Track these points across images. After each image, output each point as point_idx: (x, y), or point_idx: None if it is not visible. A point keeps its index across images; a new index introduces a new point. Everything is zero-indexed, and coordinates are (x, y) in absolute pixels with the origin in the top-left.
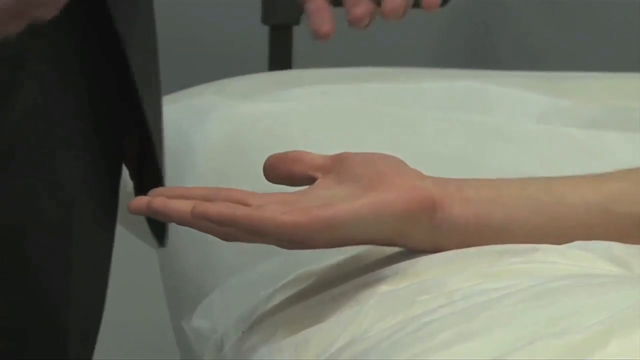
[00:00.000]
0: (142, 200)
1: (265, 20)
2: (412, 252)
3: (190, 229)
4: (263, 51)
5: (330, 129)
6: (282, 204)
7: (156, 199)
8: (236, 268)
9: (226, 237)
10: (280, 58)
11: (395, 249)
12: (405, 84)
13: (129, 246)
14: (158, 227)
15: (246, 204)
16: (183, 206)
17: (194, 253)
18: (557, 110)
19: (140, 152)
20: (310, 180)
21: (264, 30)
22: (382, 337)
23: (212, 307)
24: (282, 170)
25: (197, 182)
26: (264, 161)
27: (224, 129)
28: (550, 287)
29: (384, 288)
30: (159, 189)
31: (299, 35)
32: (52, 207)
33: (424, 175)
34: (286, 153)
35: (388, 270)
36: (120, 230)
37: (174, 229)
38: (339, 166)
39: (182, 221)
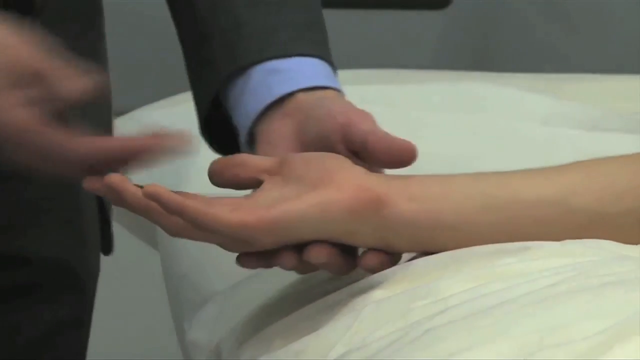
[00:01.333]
0: (97, 177)
1: None
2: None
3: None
4: None
5: None
6: (230, 205)
7: (113, 176)
8: (235, 273)
9: (175, 232)
10: None
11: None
12: (407, 86)
13: (132, 246)
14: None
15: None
16: (137, 189)
17: (194, 256)
18: (561, 112)
19: None
20: (256, 183)
21: None
22: (380, 346)
23: (209, 316)
24: (227, 175)
25: (198, 184)
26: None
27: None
28: (549, 292)
29: (378, 294)
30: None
31: None
32: None
33: (368, 173)
34: (231, 157)
35: (381, 275)
36: (122, 231)
37: None
38: (283, 167)
39: (134, 203)
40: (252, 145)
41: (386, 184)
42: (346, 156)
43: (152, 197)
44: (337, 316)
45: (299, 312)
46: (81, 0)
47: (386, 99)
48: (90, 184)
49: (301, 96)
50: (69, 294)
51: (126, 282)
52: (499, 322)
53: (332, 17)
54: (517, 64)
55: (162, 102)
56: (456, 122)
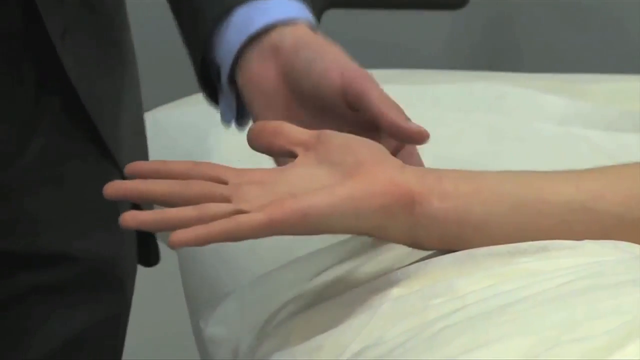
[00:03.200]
0: (118, 185)
1: None
2: (421, 252)
3: None
4: None
5: None
6: (258, 184)
7: (132, 187)
8: (253, 271)
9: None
10: None
11: (406, 249)
12: (422, 86)
13: None
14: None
15: (223, 181)
16: (156, 216)
17: (212, 254)
18: (576, 112)
19: None
20: (289, 154)
21: None
22: (397, 343)
23: (227, 313)
24: (263, 141)
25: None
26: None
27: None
28: (565, 289)
29: (396, 292)
30: (136, 163)
31: None
32: None
33: (403, 166)
34: (268, 123)
35: (399, 273)
36: None
37: None
38: (319, 145)
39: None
40: (233, 85)
41: (420, 180)
42: (345, 113)
43: (182, 244)
44: (354, 313)
45: (316, 309)
46: None
47: (402, 99)
48: (113, 192)
49: (275, 35)
50: (108, 293)
51: (143, 280)
52: (516, 319)
53: (350, 17)
54: (533, 64)
55: (178, 102)
56: (472, 123)
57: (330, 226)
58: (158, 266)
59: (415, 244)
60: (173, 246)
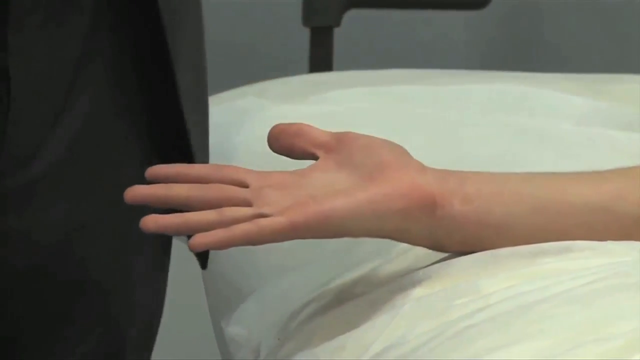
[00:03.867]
0: (141, 190)
1: (305, 22)
2: (444, 253)
3: None
4: (304, 53)
5: (371, 131)
6: (280, 187)
7: (152, 191)
8: (274, 271)
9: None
10: (320, 60)
11: (426, 250)
12: (445, 86)
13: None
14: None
15: (244, 185)
16: (178, 220)
17: (233, 255)
18: (597, 112)
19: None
20: (310, 156)
21: (305, 33)
22: (419, 343)
23: (248, 314)
24: (284, 143)
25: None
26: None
27: (265, 130)
28: (588, 289)
29: (418, 292)
30: (157, 167)
31: (340, 37)
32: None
33: (425, 168)
34: (289, 125)
35: (422, 273)
36: None
37: None
38: (340, 147)
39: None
40: None
41: (441, 182)
42: None
43: (202, 247)
44: (376, 313)
45: (338, 309)
46: None
47: (425, 99)
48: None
49: None
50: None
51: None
52: (538, 320)
53: (370, 18)
54: (555, 65)
55: None
56: (494, 123)
57: (352, 229)
58: (179, 266)
59: (436, 246)
60: (194, 249)
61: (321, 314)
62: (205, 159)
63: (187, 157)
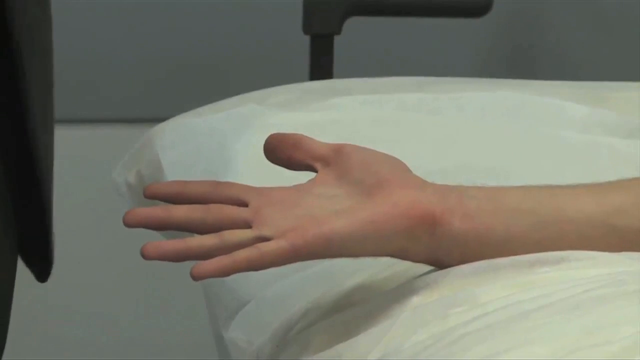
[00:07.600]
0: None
1: (306, 29)
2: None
3: None
4: (304, 60)
5: (371, 139)
6: (279, 206)
7: (152, 214)
8: (273, 277)
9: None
10: (321, 67)
11: None
12: (445, 94)
13: None
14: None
15: (242, 202)
16: (179, 246)
17: None
18: (598, 120)
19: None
20: (308, 169)
21: (305, 40)
22: (416, 351)
23: (248, 319)
24: (281, 155)
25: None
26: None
27: (265, 138)
28: (585, 297)
29: (416, 301)
30: (155, 185)
31: (340, 44)
32: None
33: (425, 184)
34: (286, 136)
35: (419, 282)
36: (158, 236)
37: None
38: (339, 160)
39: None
40: None
41: (441, 199)
42: None
43: (203, 276)
44: (374, 322)
45: (335, 317)
46: None
47: (425, 107)
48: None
49: None
50: None
51: (164, 285)
52: (536, 326)
53: (370, 26)
54: (555, 72)
55: (201, 109)
56: (495, 131)
57: (353, 250)
58: (180, 271)
59: (435, 263)
60: (196, 279)
61: (319, 322)
62: (50, 178)
63: (33, 180)
